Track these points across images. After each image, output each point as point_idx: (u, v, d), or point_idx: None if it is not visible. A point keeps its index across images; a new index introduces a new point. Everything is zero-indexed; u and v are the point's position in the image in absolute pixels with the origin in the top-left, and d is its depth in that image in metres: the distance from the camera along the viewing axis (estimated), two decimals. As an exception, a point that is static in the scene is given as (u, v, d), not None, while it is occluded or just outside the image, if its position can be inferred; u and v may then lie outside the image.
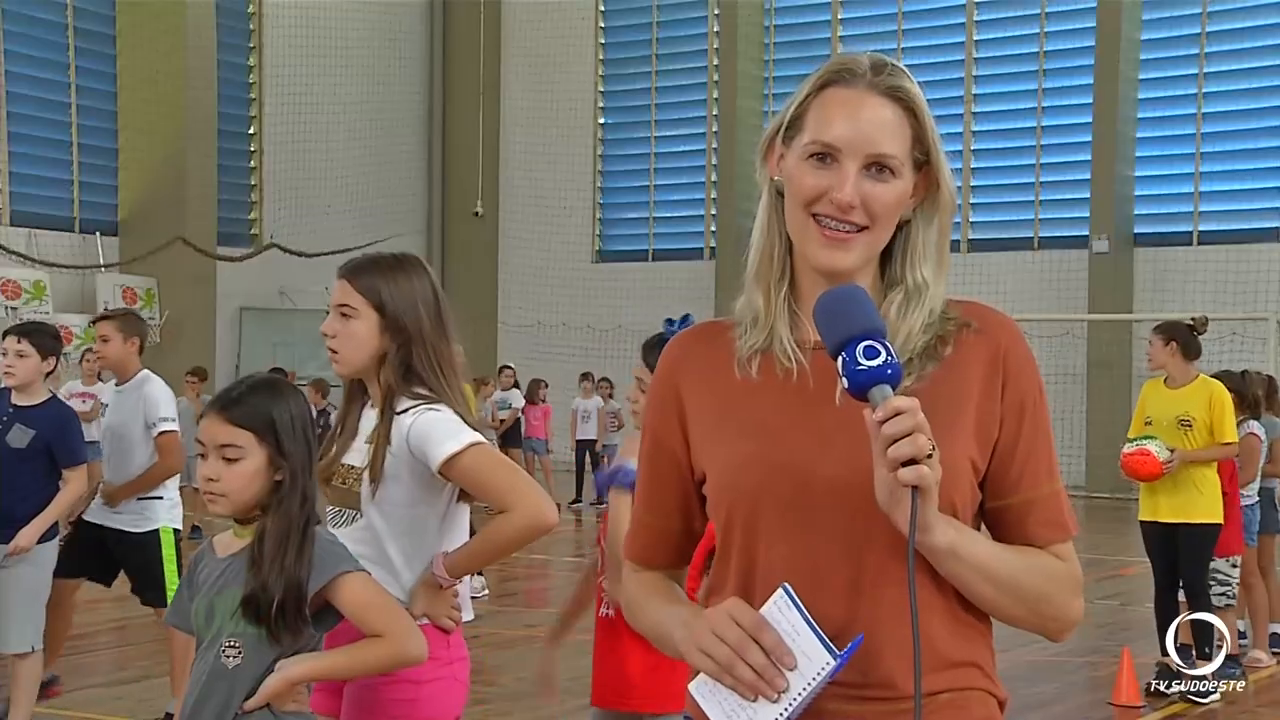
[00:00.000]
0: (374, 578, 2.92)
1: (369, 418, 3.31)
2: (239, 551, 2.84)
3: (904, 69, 1.97)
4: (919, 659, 1.76)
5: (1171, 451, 7.73)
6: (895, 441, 1.73)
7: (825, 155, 1.91)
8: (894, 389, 1.76)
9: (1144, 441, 7.79)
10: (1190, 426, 7.87)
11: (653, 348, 3.91)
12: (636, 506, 2.13)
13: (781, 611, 1.80)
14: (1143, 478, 7.87)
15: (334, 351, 3.32)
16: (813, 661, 1.78)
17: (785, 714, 1.78)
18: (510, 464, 3.32)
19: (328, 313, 3.34)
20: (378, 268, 3.34)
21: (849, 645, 1.79)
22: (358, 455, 3.27)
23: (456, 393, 3.31)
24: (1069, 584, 1.97)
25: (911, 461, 1.73)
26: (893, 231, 1.96)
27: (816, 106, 1.94)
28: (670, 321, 3.97)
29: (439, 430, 3.18)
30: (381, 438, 3.20)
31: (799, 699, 1.78)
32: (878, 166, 1.91)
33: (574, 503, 18.06)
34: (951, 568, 1.88)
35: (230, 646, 2.79)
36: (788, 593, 1.81)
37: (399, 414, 3.22)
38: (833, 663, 1.77)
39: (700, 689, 1.82)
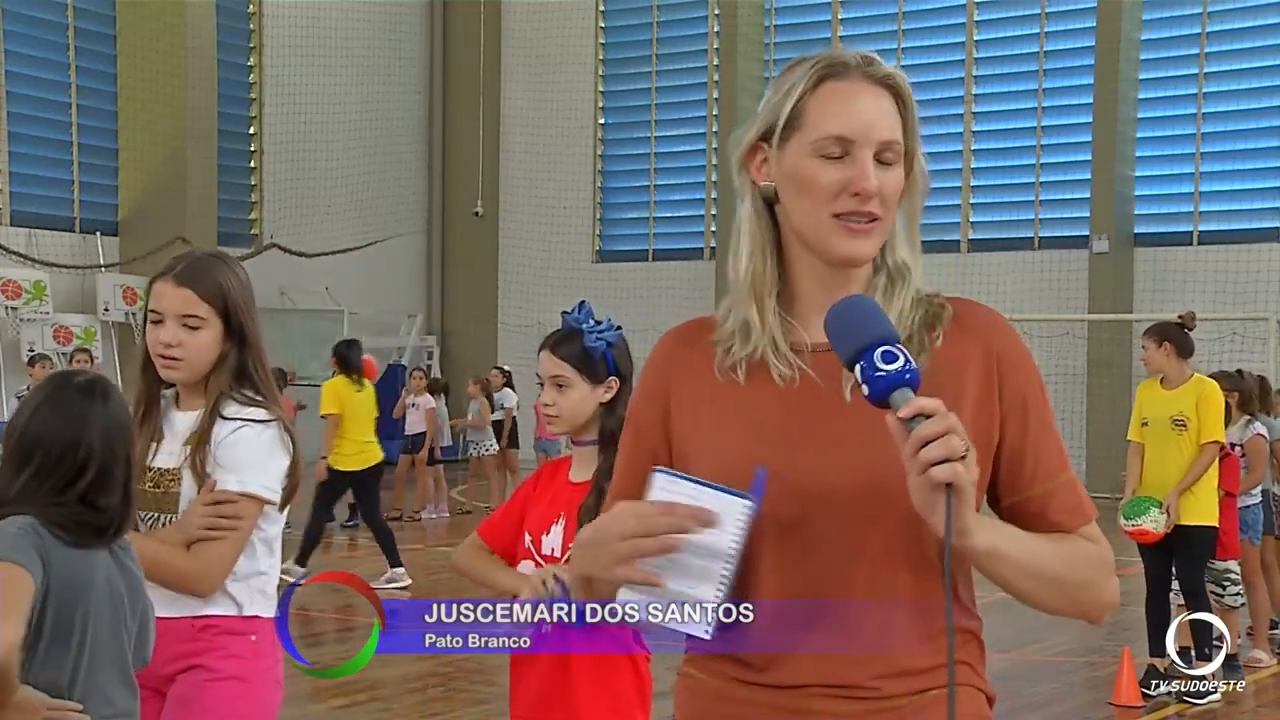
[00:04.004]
0: (15, 577, 2.70)
1: (178, 419, 3.25)
2: None
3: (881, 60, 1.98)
4: (952, 653, 1.76)
5: (1165, 510, 7.76)
6: (926, 444, 1.71)
7: (839, 150, 1.91)
8: (914, 393, 1.75)
9: (1139, 520, 7.80)
10: (1184, 427, 7.87)
11: (561, 342, 3.76)
12: (612, 497, 2.11)
13: (670, 490, 1.78)
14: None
15: (177, 360, 3.21)
16: (729, 514, 1.76)
17: (726, 577, 1.77)
18: (238, 535, 3.18)
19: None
20: (216, 270, 3.26)
21: (755, 481, 1.77)
22: (170, 458, 3.21)
23: (277, 395, 3.30)
24: (1104, 567, 1.99)
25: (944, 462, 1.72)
26: None
27: (816, 102, 1.93)
28: (567, 312, 3.84)
29: (243, 459, 3.16)
30: (205, 437, 3.16)
31: (733, 556, 1.76)
32: (884, 155, 1.91)
33: (574, 502, 17.98)
34: (992, 567, 1.87)
35: None
36: (665, 471, 1.79)
37: (227, 417, 3.18)
38: (751, 504, 1.76)
39: (628, 595, 1.79)
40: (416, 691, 7.99)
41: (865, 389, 1.76)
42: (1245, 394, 8.90)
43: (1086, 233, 21.29)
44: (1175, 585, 8.08)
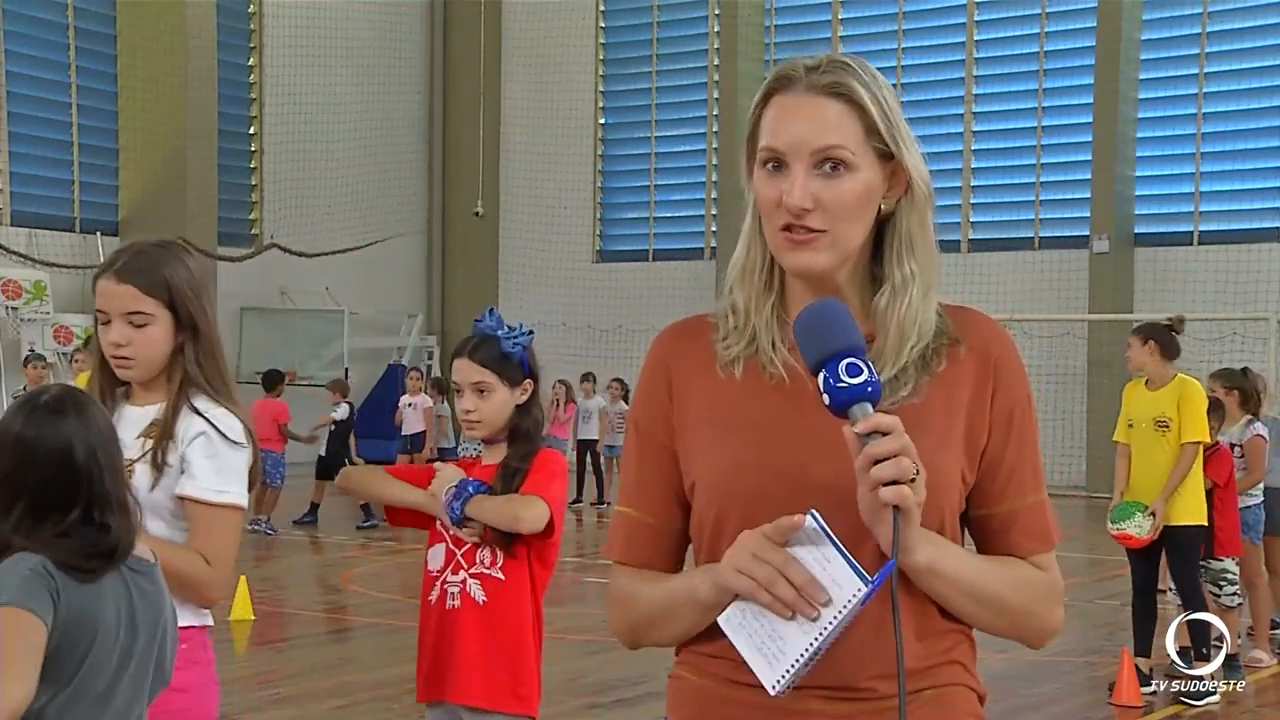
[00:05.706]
0: (26, 625, 2.52)
1: (130, 413, 3.11)
2: None
3: (847, 62, 1.95)
4: (903, 676, 1.76)
5: (1150, 514, 7.77)
6: (879, 462, 1.73)
7: (777, 163, 1.93)
8: (874, 407, 1.76)
9: (1123, 525, 7.85)
10: (1167, 428, 7.89)
11: (478, 347, 3.84)
12: (627, 506, 2.10)
13: (810, 539, 1.78)
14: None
15: (129, 359, 3.07)
16: (844, 589, 1.76)
17: (815, 644, 1.76)
18: (236, 546, 3.09)
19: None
20: (159, 261, 3.09)
21: (881, 571, 1.76)
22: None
23: (233, 390, 3.17)
24: (1049, 595, 1.99)
25: (894, 482, 1.73)
26: (869, 227, 1.95)
27: (764, 117, 1.96)
28: (479, 319, 3.91)
29: (221, 468, 3.03)
30: (168, 431, 3.03)
31: (830, 628, 1.76)
32: (830, 163, 1.90)
33: (574, 502, 18.00)
34: (931, 585, 1.89)
35: None
36: (816, 520, 1.78)
37: (199, 412, 3.05)
38: (864, 589, 1.75)
39: (730, 620, 1.80)
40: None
41: (826, 399, 1.77)
42: (1245, 392, 8.90)
43: (1087, 233, 21.30)
44: (1161, 586, 8.10)
